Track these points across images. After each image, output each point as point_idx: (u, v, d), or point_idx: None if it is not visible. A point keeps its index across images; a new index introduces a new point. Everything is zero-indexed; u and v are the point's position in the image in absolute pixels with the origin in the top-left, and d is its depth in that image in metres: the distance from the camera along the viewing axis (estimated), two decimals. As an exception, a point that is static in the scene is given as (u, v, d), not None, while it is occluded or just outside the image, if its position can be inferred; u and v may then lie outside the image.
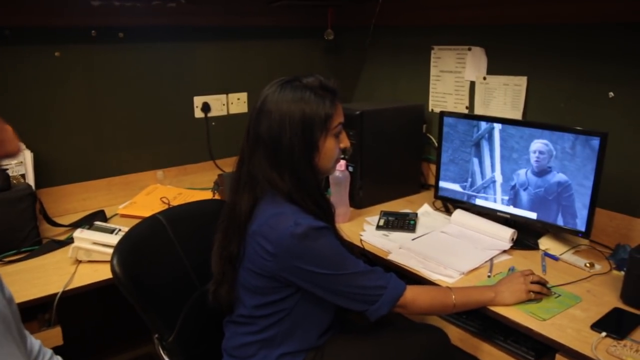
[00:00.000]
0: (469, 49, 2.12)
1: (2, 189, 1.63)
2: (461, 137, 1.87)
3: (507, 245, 1.67)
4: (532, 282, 1.37)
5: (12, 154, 0.58)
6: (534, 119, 1.90)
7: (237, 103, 2.44)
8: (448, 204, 2.04)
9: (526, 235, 1.73)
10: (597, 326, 1.24)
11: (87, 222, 1.84)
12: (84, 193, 2.06)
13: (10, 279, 1.48)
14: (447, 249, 1.67)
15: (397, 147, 2.16)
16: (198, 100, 2.33)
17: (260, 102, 1.22)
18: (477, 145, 1.83)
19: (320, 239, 1.16)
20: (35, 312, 1.46)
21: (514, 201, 1.75)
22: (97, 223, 1.74)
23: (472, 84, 2.14)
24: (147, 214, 1.52)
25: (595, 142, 1.50)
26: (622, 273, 1.43)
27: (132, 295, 1.23)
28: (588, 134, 1.52)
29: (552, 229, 1.70)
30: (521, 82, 1.94)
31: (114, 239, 1.49)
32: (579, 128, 1.55)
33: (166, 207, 1.94)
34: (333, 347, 1.29)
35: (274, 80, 1.25)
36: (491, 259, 1.60)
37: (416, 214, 1.96)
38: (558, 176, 1.62)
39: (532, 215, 1.71)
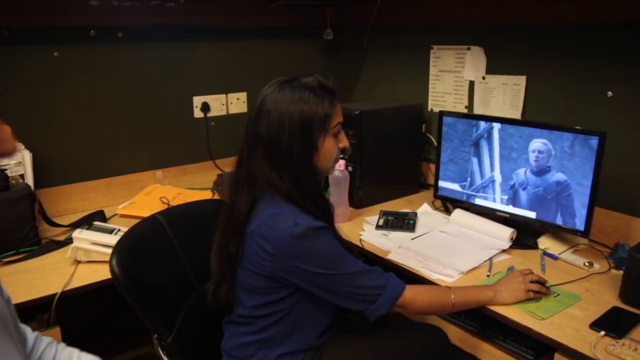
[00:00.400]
0: (468, 49, 2.12)
1: (0, 189, 1.63)
2: (460, 137, 1.88)
3: (506, 244, 1.67)
4: (531, 282, 1.37)
5: (8, 154, 0.58)
6: (533, 118, 1.90)
7: (236, 103, 2.44)
8: (447, 203, 2.04)
9: (525, 234, 1.73)
10: (596, 325, 1.24)
11: (86, 222, 1.84)
12: (83, 193, 2.06)
13: (9, 280, 1.48)
14: (447, 248, 1.67)
15: (397, 147, 2.16)
16: (197, 100, 2.33)
17: (259, 102, 1.22)
18: (477, 145, 1.83)
19: (319, 239, 1.16)
20: (34, 313, 1.46)
21: (513, 200, 1.75)
22: (96, 223, 1.74)
23: (472, 83, 2.14)
24: (147, 214, 1.52)
25: (594, 141, 1.50)
26: (621, 272, 1.43)
27: (131, 295, 1.23)
28: (587, 134, 1.53)
29: (551, 228, 1.70)
30: (520, 81, 1.94)
31: (113, 239, 1.49)
32: (578, 127, 1.55)
33: (165, 207, 1.94)
34: (332, 347, 1.30)
35: (273, 80, 1.25)
36: (490, 259, 1.60)
37: (415, 214, 1.96)
38: (557, 175, 1.62)
39: (531, 214, 1.71)
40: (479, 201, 1.86)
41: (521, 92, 1.94)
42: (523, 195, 1.72)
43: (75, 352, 0.98)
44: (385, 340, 1.35)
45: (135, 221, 1.44)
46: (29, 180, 1.78)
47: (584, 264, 1.55)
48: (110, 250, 1.30)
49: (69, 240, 1.66)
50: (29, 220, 1.68)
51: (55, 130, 1.98)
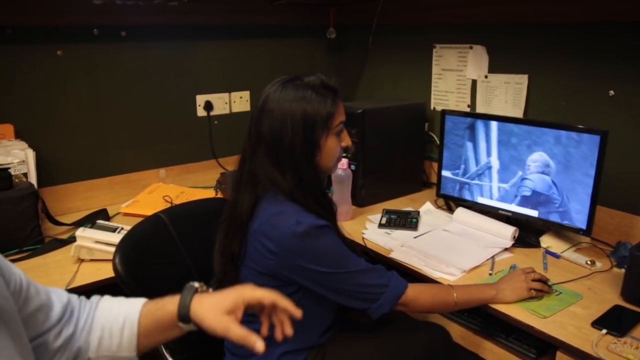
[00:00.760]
0: (471, 48, 2.12)
1: (4, 188, 1.63)
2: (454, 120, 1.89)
3: (509, 243, 1.67)
4: (533, 280, 1.37)
5: None
6: (535, 117, 1.90)
7: (239, 102, 2.44)
8: (450, 202, 2.04)
9: (527, 233, 1.73)
10: (598, 323, 1.24)
11: (89, 220, 1.85)
12: (87, 192, 2.07)
13: (13, 278, 1.49)
14: (449, 247, 1.68)
15: (399, 146, 2.16)
16: (200, 99, 2.33)
17: (262, 101, 1.23)
18: (472, 128, 1.83)
19: (321, 238, 1.16)
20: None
21: (515, 198, 1.75)
22: (100, 222, 1.74)
23: (474, 82, 2.14)
24: (150, 212, 1.53)
25: (596, 139, 1.50)
26: (623, 271, 1.43)
27: (134, 293, 1.23)
28: (589, 132, 1.52)
29: (554, 227, 1.70)
30: (522, 80, 1.94)
31: (116, 238, 1.49)
32: (580, 126, 1.55)
33: (168, 205, 1.95)
34: (335, 346, 1.30)
35: (276, 79, 1.26)
36: (493, 257, 1.61)
37: (418, 212, 1.96)
38: (559, 174, 1.62)
39: (534, 213, 1.71)
40: (481, 200, 1.86)
41: (523, 90, 1.94)
42: (525, 194, 1.72)
43: (114, 307, 0.92)
44: (388, 338, 1.35)
45: (138, 220, 1.45)
46: (32, 179, 1.78)
47: (586, 263, 1.55)
48: (113, 249, 1.30)
49: (72, 239, 1.67)
50: (33, 218, 1.69)
51: (59, 128, 1.98)
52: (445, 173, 1.94)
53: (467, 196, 1.90)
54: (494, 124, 1.77)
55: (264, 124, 1.20)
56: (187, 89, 2.29)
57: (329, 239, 1.18)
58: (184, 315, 0.86)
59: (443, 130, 1.93)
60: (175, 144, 2.30)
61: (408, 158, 2.23)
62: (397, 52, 2.46)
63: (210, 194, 2.17)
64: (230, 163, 2.34)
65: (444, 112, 1.93)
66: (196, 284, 0.91)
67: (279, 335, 0.89)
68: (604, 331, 1.21)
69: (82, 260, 1.61)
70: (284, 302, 0.91)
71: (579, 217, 1.59)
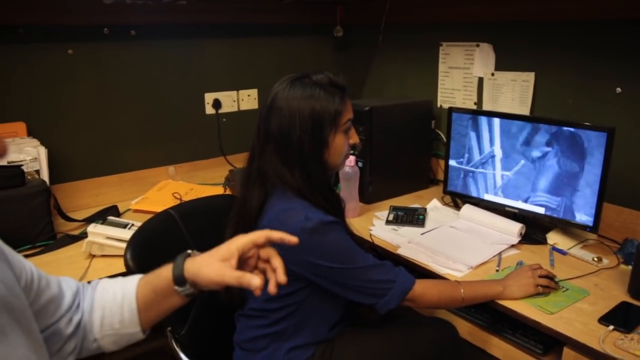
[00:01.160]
0: (477, 46, 2.12)
1: (17, 185, 1.65)
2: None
3: (515, 239, 1.68)
4: (540, 276, 1.38)
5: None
6: (541, 114, 1.90)
7: (247, 99, 2.46)
8: (457, 199, 2.05)
9: (534, 229, 1.74)
10: (605, 320, 1.25)
11: (100, 217, 1.87)
12: (97, 189, 2.09)
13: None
14: (456, 243, 1.68)
15: (406, 143, 2.17)
16: (209, 97, 2.35)
17: (271, 99, 1.24)
18: (474, 118, 1.85)
19: (330, 233, 1.17)
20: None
21: (523, 194, 1.76)
22: (111, 218, 1.76)
23: (480, 80, 2.15)
24: (159, 209, 1.55)
25: (603, 137, 1.51)
26: (630, 267, 1.43)
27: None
28: (596, 129, 1.53)
29: (560, 224, 1.70)
30: (529, 78, 1.94)
31: (127, 234, 1.51)
32: (586, 123, 1.56)
33: (178, 202, 1.97)
34: (343, 340, 1.31)
35: (284, 77, 1.27)
36: (499, 254, 1.61)
37: (425, 209, 1.97)
38: (566, 171, 1.62)
39: (540, 210, 1.72)
40: (488, 196, 1.86)
41: (530, 88, 1.95)
42: (531, 190, 1.73)
43: (111, 285, 0.93)
44: (395, 333, 1.36)
45: (148, 216, 1.47)
46: (45, 176, 1.80)
47: (593, 259, 1.56)
48: (124, 245, 1.32)
49: (84, 235, 1.69)
50: (45, 215, 1.71)
51: (70, 126, 2.01)
52: (451, 162, 1.96)
53: (472, 188, 1.91)
54: (496, 120, 1.78)
55: (272, 121, 1.22)
56: (196, 87, 2.31)
57: (338, 234, 1.19)
58: (178, 276, 0.86)
59: (450, 127, 1.93)
60: (184, 142, 2.32)
61: (415, 155, 2.24)
62: (404, 50, 2.47)
63: (218, 190, 2.19)
64: (239, 160, 2.36)
65: (451, 110, 1.94)
66: (189, 251, 0.91)
67: (272, 288, 0.85)
68: (611, 327, 1.21)
69: (94, 256, 1.63)
70: (275, 235, 0.89)
71: (585, 214, 1.60)
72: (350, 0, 2.56)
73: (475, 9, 2.08)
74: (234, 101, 2.43)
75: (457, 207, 2.01)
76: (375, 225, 1.87)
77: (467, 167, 1.89)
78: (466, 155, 1.90)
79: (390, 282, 1.22)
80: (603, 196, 1.55)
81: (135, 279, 0.93)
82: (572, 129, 1.59)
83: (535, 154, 1.69)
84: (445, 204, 2.07)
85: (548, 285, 1.37)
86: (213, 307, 1.41)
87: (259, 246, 0.89)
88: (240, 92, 2.44)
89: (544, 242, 1.70)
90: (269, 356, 1.27)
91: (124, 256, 1.28)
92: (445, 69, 2.29)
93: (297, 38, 2.56)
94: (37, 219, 1.69)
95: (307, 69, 1.31)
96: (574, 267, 1.53)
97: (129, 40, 2.08)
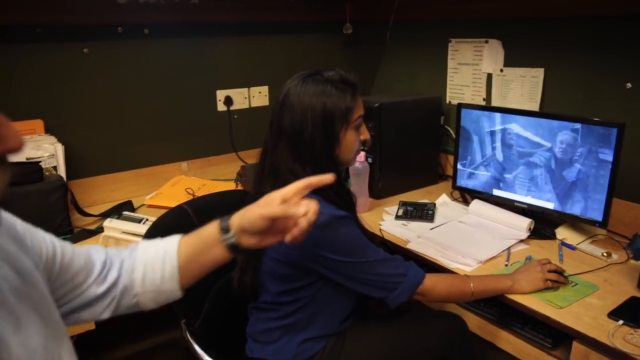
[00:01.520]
0: (486, 42, 2.13)
1: (35, 181, 1.69)
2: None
3: (524, 234, 1.69)
4: (549, 271, 1.38)
5: (15, 150, 0.58)
6: (551, 110, 1.90)
7: (258, 96, 2.49)
8: (466, 194, 2.06)
9: (543, 225, 1.74)
10: (614, 314, 1.25)
11: (115, 212, 1.90)
12: (112, 184, 2.13)
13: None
14: (465, 238, 1.69)
15: (416, 139, 2.18)
16: (220, 94, 2.38)
17: (283, 95, 1.25)
18: (477, 122, 1.88)
19: (341, 228, 1.19)
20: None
21: (531, 190, 1.77)
22: (126, 213, 1.79)
23: (489, 76, 2.15)
24: (173, 204, 1.57)
25: (613, 132, 1.51)
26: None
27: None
28: (605, 125, 1.53)
29: (569, 219, 1.71)
30: (538, 74, 1.95)
31: (142, 229, 1.54)
32: (596, 119, 1.56)
33: (191, 197, 1.99)
34: (354, 333, 1.33)
35: (296, 74, 1.28)
36: (508, 248, 1.62)
37: (434, 204, 1.98)
38: (575, 166, 1.63)
39: (549, 205, 1.72)
40: (497, 192, 1.88)
41: (539, 84, 1.95)
42: (541, 186, 1.74)
43: (153, 244, 0.97)
44: (405, 327, 1.38)
45: (162, 211, 1.48)
46: (62, 172, 1.84)
47: (602, 254, 1.56)
48: (139, 239, 1.34)
49: (100, 230, 1.73)
50: (62, 210, 1.75)
51: (86, 123, 2.05)
52: (458, 166, 1.98)
53: (481, 184, 1.93)
54: (497, 116, 1.80)
55: (285, 118, 1.23)
56: (208, 85, 2.34)
57: (349, 229, 1.21)
58: (224, 224, 0.93)
59: (459, 123, 1.95)
60: (196, 138, 2.35)
61: (424, 151, 2.25)
62: (413, 46, 2.48)
63: (230, 186, 2.22)
64: (250, 156, 2.39)
65: (460, 106, 1.94)
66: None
67: (296, 232, 0.90)
68: (621, 322, 1.22)
69: (110, 250, 1.67)
70: (314, 179, 0.97)
71: (595, 210, 1.60)
72: (360, -2, 2.57)
73: (484, 5, 2.08)
74: (245, 98, 2.45)
75: (466, 202, 2.03)
76: (385, 220, 1.89)
77: (470, 170, 1.93)
78: (469, 157, 1.93)
79: (401, 276, 1.23)
80: (613, 191, 1.55)
81: (177, 237, 0.97)
82: (582, 124, 1.59)
83: (545, 150, 1.70)
84: (454, 199, 2.08)
85: (557, 279, 1.38)
86: (226, 300, 1.43)
87: (299, 194, 0.95)
88: (251, 89, 2.46)
89: (553, 237, 1.70)
90: (282, 348, 1.30)
91: (140, 250, 1.30)
92: (454, 65, 2.30)
93: (307, 35, 2.58)
94: (55, 214, 1.73)
95: (317, 66, 1.32)
96: (583, 262, 1.54)
97: (142, 39, 2.11)
